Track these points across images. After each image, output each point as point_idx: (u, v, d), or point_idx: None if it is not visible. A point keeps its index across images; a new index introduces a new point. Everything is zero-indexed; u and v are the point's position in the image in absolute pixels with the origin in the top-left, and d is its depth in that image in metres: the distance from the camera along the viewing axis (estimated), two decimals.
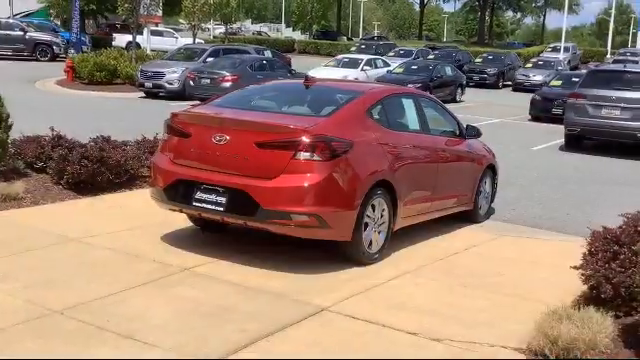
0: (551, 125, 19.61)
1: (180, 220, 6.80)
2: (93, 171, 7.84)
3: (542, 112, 20.51)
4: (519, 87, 31.17)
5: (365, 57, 26.70)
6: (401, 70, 24.50)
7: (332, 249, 5.93)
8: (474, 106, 23.76)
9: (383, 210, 6.03)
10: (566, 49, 44.70)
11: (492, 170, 8.29)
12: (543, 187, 10.78)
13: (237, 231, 6.53)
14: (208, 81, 20.27)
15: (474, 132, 7.76)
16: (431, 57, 34.05)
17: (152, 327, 4.36)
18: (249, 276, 5.42)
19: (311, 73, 24.77)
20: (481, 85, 32.06)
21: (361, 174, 5.70)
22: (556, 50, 46.21)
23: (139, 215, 7.11)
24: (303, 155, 5.36)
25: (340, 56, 27.18)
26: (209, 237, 6.50)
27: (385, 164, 6.02)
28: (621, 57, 38.62)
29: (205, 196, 5.59)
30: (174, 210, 6.12)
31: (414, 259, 6.25)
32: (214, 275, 5.40)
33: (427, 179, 6.75)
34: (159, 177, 5.97)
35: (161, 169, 5.95)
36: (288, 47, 54.10)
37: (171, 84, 21.61)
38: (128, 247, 6.01)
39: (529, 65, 33.79)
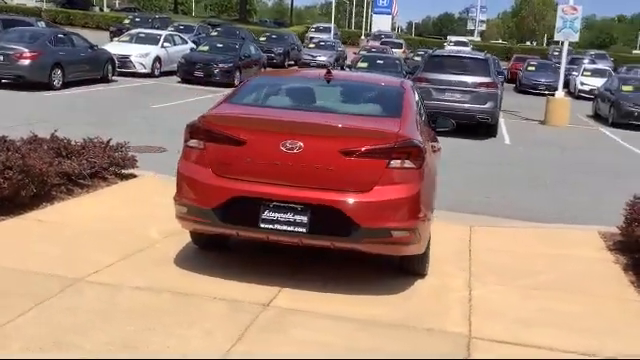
0: None
1: (163, 241, 5.77)
2: (18, 184, 6.17)
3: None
4: (305, 67, 31.79)
5: (163, 33, 24.96)
6: (207, 48, 23.39)
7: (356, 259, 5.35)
8: None
9: None
10: (329, 30, 46.73)
11: None
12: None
13: (239, 247, 5.66)
14: (1, 58, 17.29)
15: (446, 125, 7.48)
16: (214, 34, 33.11)
17: None
18: (337, 305, 4.67)
19: (107, 48, 22.63)
20: (269, 65, 31.94)
21: (434, 178, 5.24)
22: (319, 30, 48.09)
23: (103, 237, 5.83)
24: (397, 162, 4.71)
25: (133, 31, 24.96)
26: (219, 257, 5.49)
27: (436, 163, 5.61)
28: (385, 39, 41.58)
29: (278, 216, 4.62)
30: (225, 234, 5.00)
31: (448, 261, 5.95)
32: (303, 309, 4.56)
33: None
34: (203, 194, 4.75)
35: (206, 184, 4.74)
36: (35, 16, 48.38)
37: None
38: (155, 283, 4.83)
39: (312, 46, 34.76)
